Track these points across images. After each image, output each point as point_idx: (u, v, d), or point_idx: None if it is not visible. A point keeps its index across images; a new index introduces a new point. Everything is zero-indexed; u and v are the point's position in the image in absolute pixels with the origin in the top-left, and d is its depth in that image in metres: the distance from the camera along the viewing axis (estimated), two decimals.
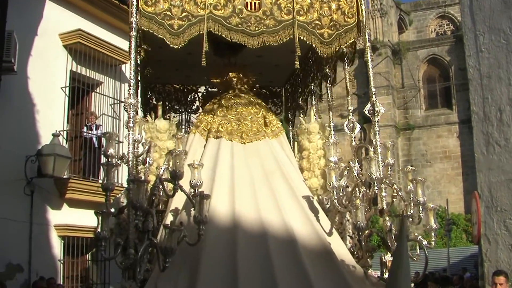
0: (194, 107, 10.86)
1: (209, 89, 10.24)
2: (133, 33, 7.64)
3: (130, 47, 7.71)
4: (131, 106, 7.39)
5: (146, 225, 7.01)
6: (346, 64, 9.07)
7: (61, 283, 13.60)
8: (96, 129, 15.30)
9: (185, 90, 10.81)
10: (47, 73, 14.47)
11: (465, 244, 33.08)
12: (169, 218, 7.71)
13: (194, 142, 8.69)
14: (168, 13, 7.74)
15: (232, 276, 6.80)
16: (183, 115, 11.48)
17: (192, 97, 10.92)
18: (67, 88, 14.99)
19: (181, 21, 7.74)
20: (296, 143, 9.68)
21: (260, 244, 7.18)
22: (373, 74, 31.15)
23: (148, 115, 9.54)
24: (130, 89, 7.54)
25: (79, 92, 15.32)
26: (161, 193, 7.78)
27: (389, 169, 8.07)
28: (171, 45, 7.75)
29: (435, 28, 43.88)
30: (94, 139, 15.14)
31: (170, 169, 7.36)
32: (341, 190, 7.90)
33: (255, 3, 7.94)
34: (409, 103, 41.16)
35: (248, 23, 7.87)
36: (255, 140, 8.59)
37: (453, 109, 39.88)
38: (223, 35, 7.84)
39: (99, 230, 6.53)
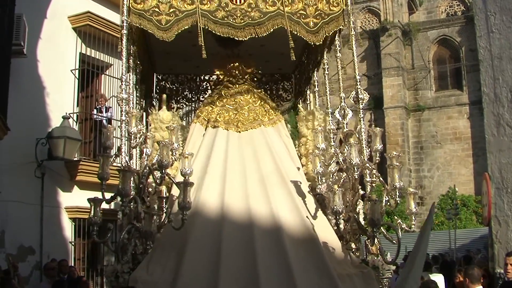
0: (207, 96, 10.98)
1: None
2: (124, 31, 8.06)
3: (121, 45, 8.07)
4: (123, 100, 7.87)
5: (136, 211, 7.43)
6: (338, 51, 9.12)
7: (73, 264, 13.69)
8: (106, 111, 15.34)
9: (197, 79, 10.99)
10: (57, 55, 14.50)
11: (475, 226, 33.03)
12: (169, 205, 8.00)
13: (195, 132, 8.94)
14: (156, 9, 8.06)
15: (216, 258, 7.05)
16: (194, 105, 11.67)
17: (205, 86, 11.09)
18: (77, 71, 15.03)
19: (169, 17, 8.05)
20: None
21: (246, 229, 7.41)
22: (383, 55, 30.90)
23: (152, 107, 9.78)
24: (122, 84, 8.00)
25: (88, 75, 15.35)
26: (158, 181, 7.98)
27: (377, 154, 8.10)
28: (161, 39, 8.08)
29: (445, 9, 43.37)
30: (104, 121, 15.17)
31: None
32: (331, 176, 8.12)
33: None
34: (419, 84, 40.85)
35: (233, 16, 8.09)
36: (250, 129, 8.78)
37: (464, 90, 39.53)
38: (210, 29, 8.08)
39: (91, 215, 7.10)
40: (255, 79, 10.61)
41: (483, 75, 10.61)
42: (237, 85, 9.24)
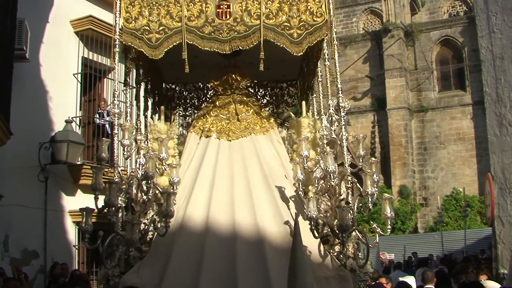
0: (203, 106, 11.21)
1: None
2: (117, 49, 8.49)
3: (113, 61, 8.58)
4: (116, 115, 8.33)
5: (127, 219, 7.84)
6: (327, 60, 9.16)
7: (76, 268, 13.72)
8: (107, 115, 15.36)
9: (205, 88, 11.17)
10: (59, 60, 14.54)
11: (479, 226, 32.99)
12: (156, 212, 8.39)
13: (190, 141, 9.23)
14: (147, 27, 8.41)
15: (198, 261, 7.44)
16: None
17: (212, 94, 11.23)
18: (79, 75, 15.06)
19: (159, 34, 8.38)
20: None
21: (228, 235, 7.77)
22: (386, 56, 30.86)
23: (151, 117, 10.02)
24: (114, 99, 8.58)
25: (91, 78, 15.38)
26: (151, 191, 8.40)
27: (361, 160, 8.32)
28: (150, 57, 8.48)
29: (447, 9, 43.32)
30: (107, 125, 15.20)
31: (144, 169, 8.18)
32: (316, 181, 8.40)
33: (225, 11, 8.42)
34: (422, 85, 40.81)
35: (220, 31, 8.36)
36: (241, 137, 9.03)
37: (467, 91, 39.47)
38: (197, 44, 8.35)
39: (83, 225, 7.63)
40: (256, 86, 11.04)
41: (485, 75, 10.60)
42: (231, 95, 9.49)
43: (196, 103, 11.16)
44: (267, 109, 11.20)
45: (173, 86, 11.24)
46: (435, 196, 38.56)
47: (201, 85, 11.15)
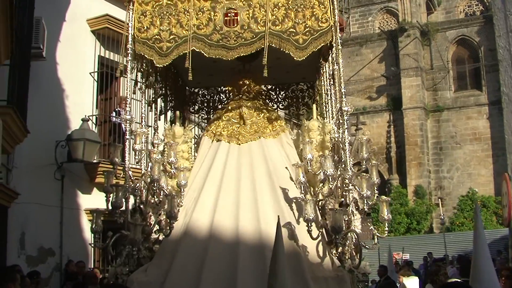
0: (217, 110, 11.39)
1: None
2: (129, 58, 8.84)
3: (125, 71, 8.94)
4: (127, 121, 8.75)
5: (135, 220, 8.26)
6: (335, 63, 9.21)
7: (92, 266, 13.76)
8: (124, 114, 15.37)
9: (226, 91, 11.37)
10: (76, 58, 14.58)
11: (495, 227, 32.83)
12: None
13: (203, 145, 9.54)
14: (158, 37, 8.77)
15: (201, 261, 7.76)
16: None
17: (227, 98, 11.41)
18: (96, 73, 15.10)
19: (169, 43, 8.72)
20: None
21: (232, 236, 8.05)
22: (402, 55, 30.80)
23: (161, 120, 10.48)
24: (126, 106, 8.95)
25: (107, 77, 15.41)
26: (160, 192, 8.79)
27: (363, 162, 8.49)
28: (157, 65, 8.93)
29: (464, 9, 43.06)
30: (123, 124, 15.22)
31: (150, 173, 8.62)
32: (319, 184, 8.65)
33: (233, 19, 8.69)
34: (438, 84, 40.63)
35: (227, 38, 8.64)
36: (250, 141, 9.26)
37: (483, 90, 39.19)
38: (203, 52, 8.64)
39: (94, 226, 8.13)
40: (277, 89, 11.33)
41: (502, 75, 10.58)
42: (244, 100, 9.68)
43: (219, 106, 11.33)
44: (286, 111, 11.38)
45: (196, 90, 11.48)
46: (451, 196, 38.45)
47: (223, 89, 11.38)
